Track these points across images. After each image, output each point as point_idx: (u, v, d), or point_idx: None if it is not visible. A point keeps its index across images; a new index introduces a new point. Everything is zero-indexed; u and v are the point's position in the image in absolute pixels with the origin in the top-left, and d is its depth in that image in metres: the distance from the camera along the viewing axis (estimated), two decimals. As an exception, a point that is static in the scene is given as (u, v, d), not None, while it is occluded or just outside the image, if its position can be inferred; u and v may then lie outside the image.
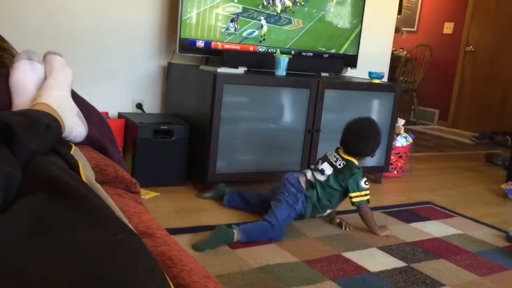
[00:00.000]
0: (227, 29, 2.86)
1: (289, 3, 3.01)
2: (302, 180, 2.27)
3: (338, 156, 2.32)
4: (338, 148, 2.36)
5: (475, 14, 5.82)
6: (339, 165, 2.29)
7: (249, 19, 2.92)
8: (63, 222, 0.58)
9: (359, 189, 2.27)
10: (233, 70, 2.68)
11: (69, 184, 0.65)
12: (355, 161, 2.31)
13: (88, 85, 2.80)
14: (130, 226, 0.65)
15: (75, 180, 0.69)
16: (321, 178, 2.28)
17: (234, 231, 2.01)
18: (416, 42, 6.13)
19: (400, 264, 1.98)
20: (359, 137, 2.33)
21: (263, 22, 2.96)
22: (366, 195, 2.29)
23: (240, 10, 2.88)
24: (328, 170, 2.29)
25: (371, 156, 2.42)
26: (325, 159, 2.35)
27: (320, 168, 2.31)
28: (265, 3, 2.94)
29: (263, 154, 2.73)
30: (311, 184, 2.27)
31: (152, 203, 2.39)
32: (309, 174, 2.32)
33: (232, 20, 2.86)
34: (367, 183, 2.31)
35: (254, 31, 2.95)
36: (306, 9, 3.10)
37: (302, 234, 2.20)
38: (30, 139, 0.77)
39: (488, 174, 3.80)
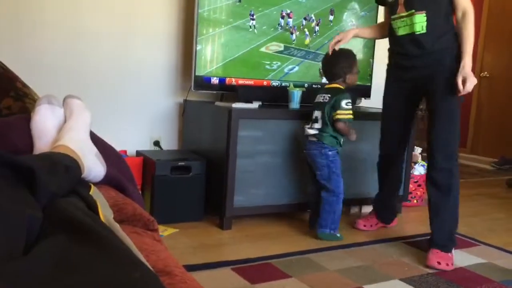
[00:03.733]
0: (271, 65, 2.99)
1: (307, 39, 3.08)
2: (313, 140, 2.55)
3: (322, 93, 2.57)
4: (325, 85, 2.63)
5: (488, 39, 5.83)
6: (325, 99, 2.52)
7: (290, 56, 3.05)
8: (84, 262, 0.59)
9: (341, 108, 2.47)
10: (247, 105, 2.72)
11: (89, 225, 0.67)
12: (340, 86, 2.54)
13: (106, 124, 2.87)
14: (148, 264, 0.67)
15: (94, 221, 0.71)
16: (317, 125, 2.53)
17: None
18: (430, 70, 6.14)
19: (423, 295, 1.94)
20: (332, 61, 2.55)
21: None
22: (349, 114, 2.49)
23: (282, 48, 3.02)
24: (318, 113, 2.54)
25: (353, 79, 2.58)
26: (315, 106, 2.58)
27: (313, 118, 2.56)
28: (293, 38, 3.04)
29: (280, 187, 2.73)
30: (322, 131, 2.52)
31: (171, 240, 2.40)
32: (310, 131, 2.55)
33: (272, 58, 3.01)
34: (349, 104, 2.48)
35: (295, 67, 3.06)
36: (319, 39, 3.15)
37: (322, 267, 2.18)
38: (51, 182, 0.80)
39: (511, 200, 3.73)
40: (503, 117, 5.70)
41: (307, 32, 3.11)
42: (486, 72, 5.86)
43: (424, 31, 2.28)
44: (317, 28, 3.14)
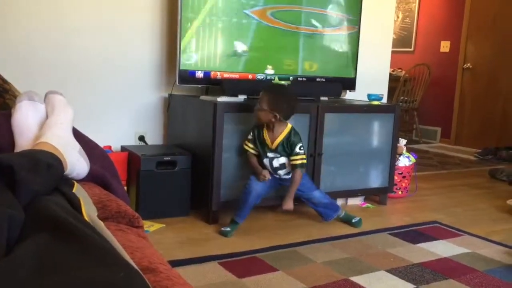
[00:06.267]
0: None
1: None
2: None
3: None
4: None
5: (471, 31, 5.89)
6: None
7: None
8: (66, 262, 0.59)
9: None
10: (233, 98, 2.71)
11: (71, 224, 0.66)
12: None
13: (91, 119, 2.84)
14: (132, 263, 0.66)
15: (77, 219, 0.70)
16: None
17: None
18: (414, 62, 6.19)
19: (408, 286, 1.96)
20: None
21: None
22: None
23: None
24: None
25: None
26: None
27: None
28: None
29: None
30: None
31: (157, 235, 2.39)
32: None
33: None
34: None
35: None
36: (302, 35, 3.15)
37: (309, 259, 2.19)
38: (32, 180, 0.79)
39: (493, 190, 3.78)
40: (485, 108, 5.77)
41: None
42: (468, 64, 5.92)
43: None
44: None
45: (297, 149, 2.50)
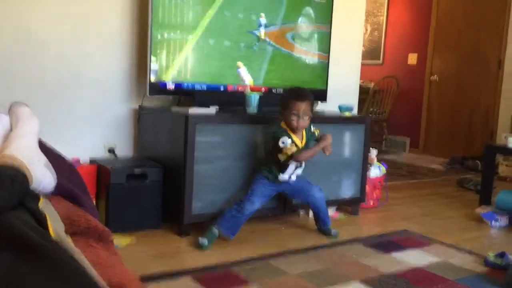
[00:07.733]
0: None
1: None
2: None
3: None
4: None
5: (437, 44, 6.04)
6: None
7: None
8: (31, 283, 0.55)
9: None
10: (204, 110, 2.68)
11: (37, 242, 0.62)
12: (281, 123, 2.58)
13: (58, 131, 2.77)
14: (101, 282, 0.63)
15: (43, 236, 0.67)
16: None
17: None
18: (383, 74, 6.30)
19: (382, 296, 1.97)
20: None
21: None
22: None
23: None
24: None
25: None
26: None
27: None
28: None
29: (239, 192, 2.71)
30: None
31: (128, 249, 2.33)
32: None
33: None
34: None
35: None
36: (271, 46, 3.16)
37: (283, 271, 2.17)
38: (-5, 195, 0.75)
39: (462, 199, 3.86)
40: (452, 119, 5.91)
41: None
42: (435, 76, 6.06)
43: None
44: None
45: (313, 129, 2.66)
